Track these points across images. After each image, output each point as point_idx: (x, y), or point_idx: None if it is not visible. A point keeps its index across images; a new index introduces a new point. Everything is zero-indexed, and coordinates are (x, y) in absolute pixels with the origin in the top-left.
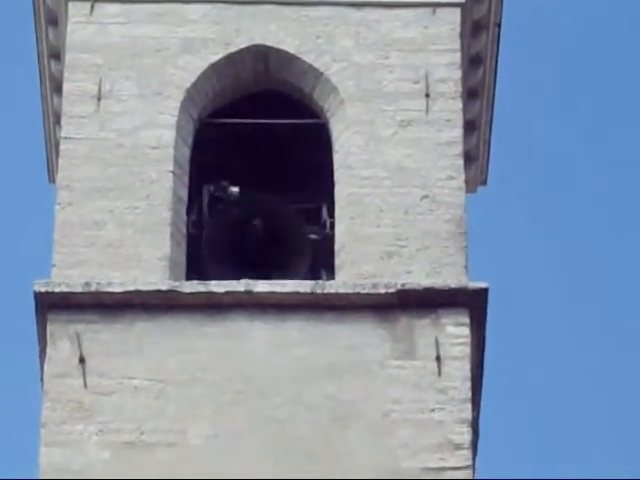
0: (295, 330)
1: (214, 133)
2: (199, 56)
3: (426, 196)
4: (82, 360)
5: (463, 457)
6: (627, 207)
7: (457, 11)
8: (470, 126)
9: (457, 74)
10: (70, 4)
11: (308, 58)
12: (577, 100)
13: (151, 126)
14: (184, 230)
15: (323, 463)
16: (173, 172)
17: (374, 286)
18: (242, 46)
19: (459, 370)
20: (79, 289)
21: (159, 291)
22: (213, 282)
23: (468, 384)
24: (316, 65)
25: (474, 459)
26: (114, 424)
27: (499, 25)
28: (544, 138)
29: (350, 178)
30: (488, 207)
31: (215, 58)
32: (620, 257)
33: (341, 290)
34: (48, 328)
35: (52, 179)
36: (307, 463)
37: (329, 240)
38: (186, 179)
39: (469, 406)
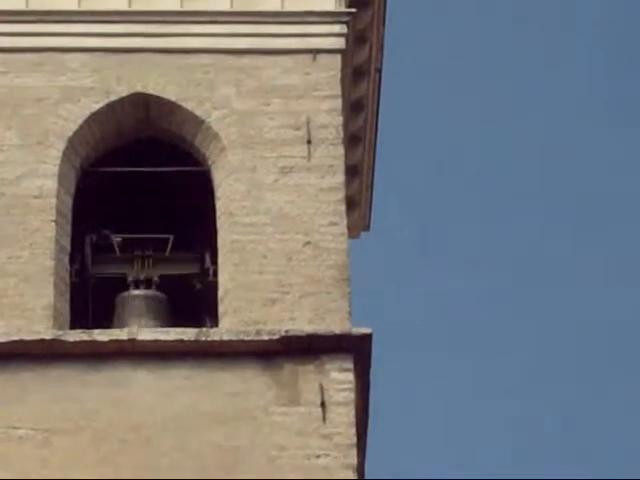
0: (180, 377)
1: (97, 181)
2: (80, 105)
3: (309, 242)
4: None
5: None
6: (510, 248)
7: (338, 57)
8: (352, 171)
9: (338, 120)
10: None
11: (189, 106)
12: (459, 143)
13: (33, 175)
14: (67, 279)
15: None
16: (55, 221)
17: (258, 333)
18: (123, 94)
19: (344, 416)
20: None
21: (43, 340)
22: (97, 331)
23: (353, 430)
24: (197, 112)
25: None
26: None
27: (379, 70)
28: (426, 182)
29: (232, 225)
30: (371, 252)
31: (96, 107)
32: (500, 295)
33: (225, 337)
34: None
35: None
36: None
37: (213, 287)
38: (69, 228)
39: (354, 452)
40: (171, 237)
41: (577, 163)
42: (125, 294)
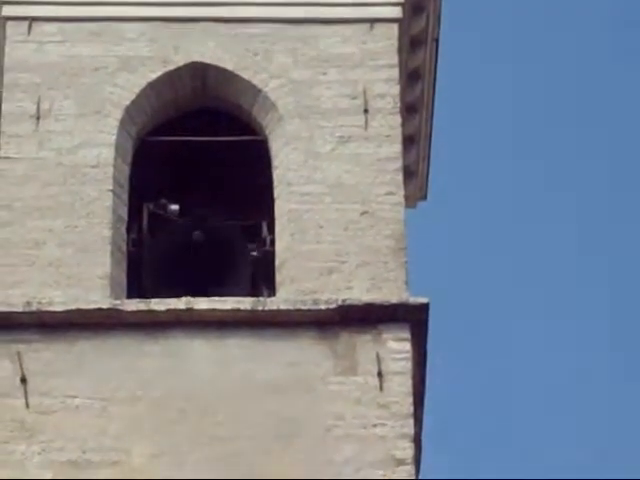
0: (236, 347)
1: (153, 151)
2: (137, 74)
3: (366, 212)
4: (24, 380)
5: (406, 472)
6: (568, 219)
7: (395, 27)
8: (409, 141)
9: (395, 89)
10: (8, 24)
11: (246, 75)
12: (514, 114)
13: (90, 145)
14: (124, 248)
15: (267, 479)
16: (113, 191)
17: (315, 302)
18: (180, 64)
19: (401, 385)
20: (20, 308)
21: (100, 310)
22: (154, 300)
23: (410, 399)
24: (254, 82)
25: (417, 474)
26: (56, 443)
27: (437, 40)
28: (483, 152)
29: (290, 194)
30: (428, 222)
31: (153, 76)
32: (562, 266)
33: (282, 307)
34: None
35: None
36: (251, 479)
37: (269, 257)
38: (126, 197)
39: (411, 421)
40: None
41: None
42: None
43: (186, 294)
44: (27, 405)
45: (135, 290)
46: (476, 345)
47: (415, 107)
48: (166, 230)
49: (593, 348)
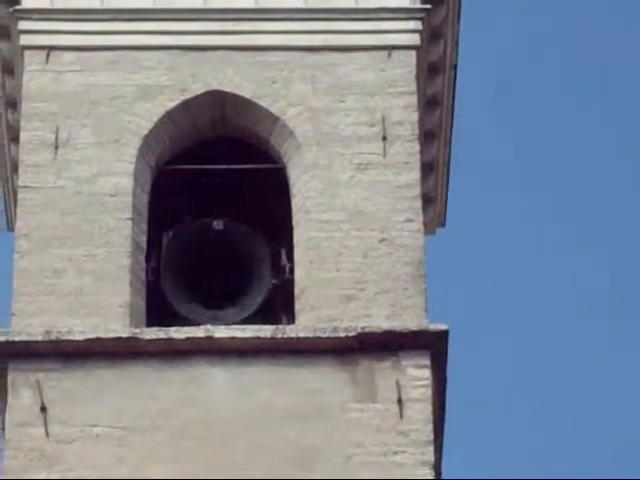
0: (256, 374)
1: (172, 179)
2: (155, 103)
3: (385, 239)
4: (43, 408)
5: None
6: (592, 246)
7: (413, 54)
8: (428, 168)
9: (414, 116)
10: (26, 53)
11: (264, 103)
12: (534, 139)
13: (108, 174)
14: (143, 277)
15: None
16: (131, 219)
17: (334, 330)
18: (198, 92)
19: (421, 412)
20: (39, 337)
21: (120, 338)
22: (173, 328)
23: (430, 426)
24: (272, 110)
25: None
26: (76, 472)
27: (455, 67)
28: (501, 179)
29: (308, 222)
30: (447, 249)
31: (171, 105)
32: (588, 292)
33: (301, 334)
34: (9, 377)
35: (11, 227)
36: None
37: (289, 284)
38: (144, 226)
39: (431, 448)
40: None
41: None
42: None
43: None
44: (47, 434)
45: (154, 318)
46: (495, 371)
47: (433, 134)
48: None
49: (621, 365)
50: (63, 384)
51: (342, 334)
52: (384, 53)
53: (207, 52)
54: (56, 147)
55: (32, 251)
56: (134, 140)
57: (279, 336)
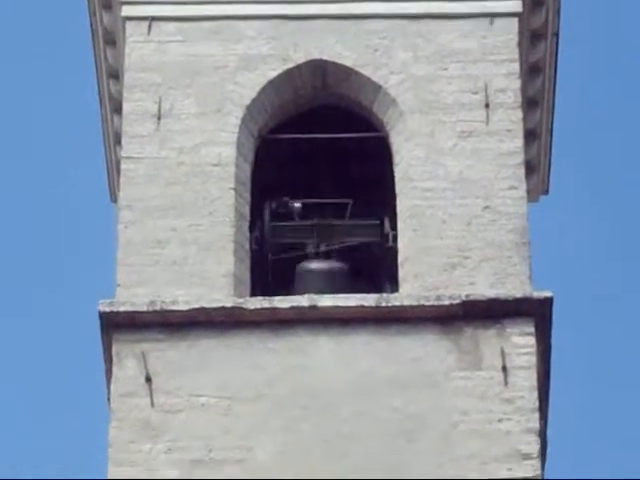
0: (360, 343)
1: (274, 149)
2: (257, 72)
3: (488, 207)
4: (148, 379)
5: (532, 467)
6: None
7: (515, 21)
8: (531, 135)
9: (516, 84)
10: (128, 24)
11: (366, 71)
12: (639, 104)
13: (211, 144)
14: (247, 246)
15: (392, 476)
16: (235, 189)
17: (438, 298)
18: (300, 61)
19: (526, 380)
20: (144, 308)
21: (224, 308)
22: (277, 298)
23: (535, 394)
24: (374, 78)
25: (543, 469)
26: (182, 442)
27: (557, 34)
28: (605, 146)
29: (412, 190)
30: (550, 216)
31: (273, 74)
32: None
33: (405, 302)
34: (114, 348)
35: (114, 199)
36: (376, 476)
37: (392, 253)
38: (248, 196)
39: (537, 416)
40: (350, 202)
41: None
42: (305, 264)
43: (309, 292)
44: (152, 404)
45: (259, 288)
46: (599, 339)
47: (536, 101)
48: (288, 229)
49: None
50: (167, 354)
51: (446, 302)
52: (486, 20)
53: (308, 21)
54: (159, 118)
55: (136, 222)
56: (237, 110)
57: (383, 304)
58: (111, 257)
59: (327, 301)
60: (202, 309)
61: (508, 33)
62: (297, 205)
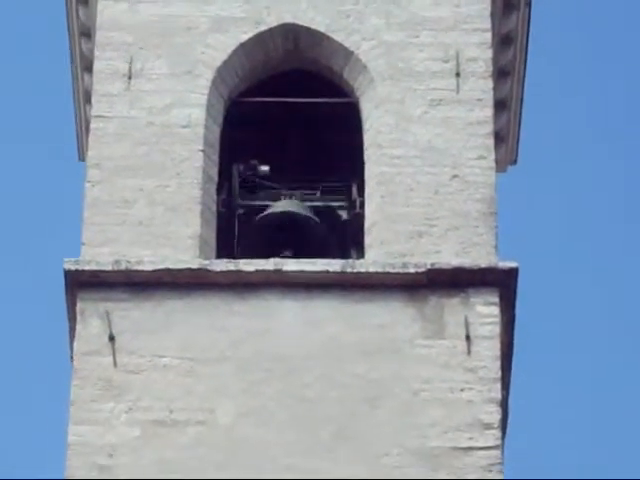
0: (325, 309)
1: (244, 112)
2: (229, 35)
3: (456, 175)
4: (112, 338)
5: (492, 437)
6: None
7: None
8: (500, 105)
9: (488, 53)
10: None
11: (338, 37)
12: (608, 78)
13: (181, 105)
14: (214, 209)
15: (352, 442)
16: (203, 151)
17: (404, 265)
18: (272, 25)
19: (489, 349)
20: (109, 267)
21: (189, 269)
22: (243, 261)
23: (498, 363)
24: (346, 44)
25: (503, 439)
26: (143, 402)
27: (529, 4)
28: (574, 118)
29: (380, 157)
30: (518, 187)
31: (245, 37)
32: None
33: (371, 269)
34: (78, 306)
35: (82, 157)
36: (336, 442)
37: (359, 219)
38: (216, 158)
39: (499, 386)
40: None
41: None
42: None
43: (274, 255)
44: (115, 364)
45: (224, 250)
46: (563, 310)
47: (507, 71)
48: (255, 192)
49: None
50: (132, 314)
51: (412, 270)
52: None
53: None
54: (129, 77)
55: (103, 181)
56: (207, 72)
57: (348, 270)
58: (78, 216)
59: (292, 265)
60: (167, 270)
61: (481, 2)
62: (265, 168)
